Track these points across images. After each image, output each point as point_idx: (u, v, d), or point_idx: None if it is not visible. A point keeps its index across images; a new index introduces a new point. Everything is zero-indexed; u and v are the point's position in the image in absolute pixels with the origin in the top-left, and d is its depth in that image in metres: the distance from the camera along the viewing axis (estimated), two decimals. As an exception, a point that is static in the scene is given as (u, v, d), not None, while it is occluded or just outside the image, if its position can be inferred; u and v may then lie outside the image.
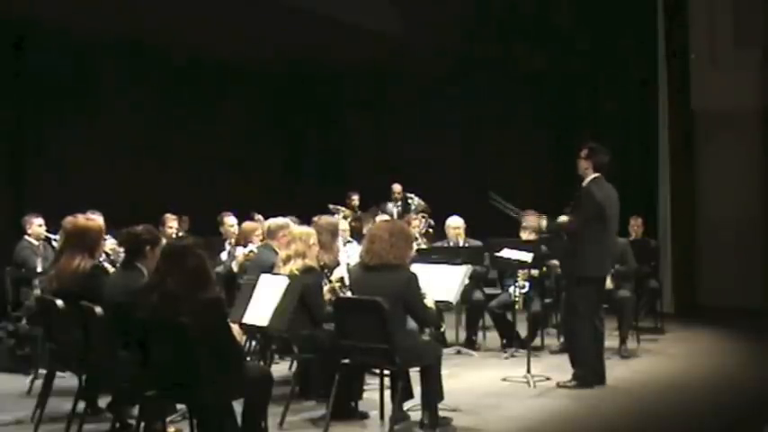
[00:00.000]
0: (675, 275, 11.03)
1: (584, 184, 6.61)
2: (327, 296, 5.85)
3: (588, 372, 6.52)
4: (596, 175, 6.60)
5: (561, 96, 12.18)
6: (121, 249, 6.38)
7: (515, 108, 12.25)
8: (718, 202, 11.32)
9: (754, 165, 11.20)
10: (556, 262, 7.95)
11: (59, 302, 5.30)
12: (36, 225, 8.07)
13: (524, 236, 8.08)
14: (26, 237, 8.06)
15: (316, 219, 7.21)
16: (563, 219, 6.63)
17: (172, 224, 8.74)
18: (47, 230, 8.08)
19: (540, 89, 12.22)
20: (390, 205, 11.25)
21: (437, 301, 5.84)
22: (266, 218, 8.13)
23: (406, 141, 12.66)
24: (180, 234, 8.74)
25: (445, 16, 11.96)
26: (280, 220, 7.09)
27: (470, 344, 8.25)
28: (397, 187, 11.30)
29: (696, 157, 11.47)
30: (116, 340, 4.85)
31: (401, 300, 5.20)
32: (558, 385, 6.55)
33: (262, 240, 7.78)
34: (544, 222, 6.79)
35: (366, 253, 5.39)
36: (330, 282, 5.96)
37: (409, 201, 10.51)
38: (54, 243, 7.79)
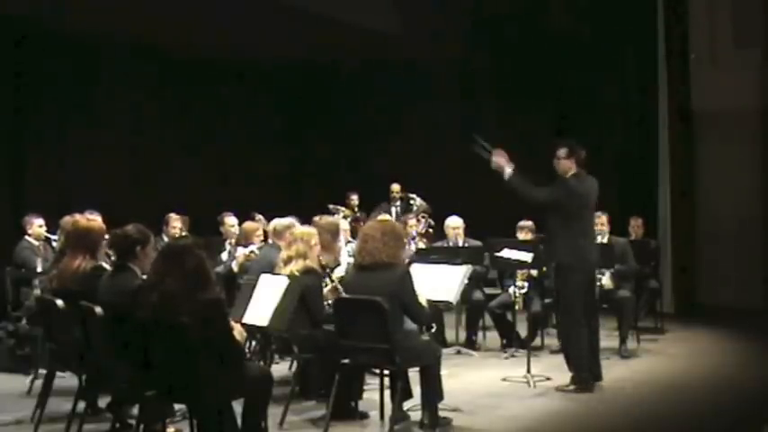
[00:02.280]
0: (675, 275, 11.02)
1: (566, 177, 6.56)
2: (329, 296, 5.84)
3: (587, 375, 6.49)
4: (577, 170, 6.57)
5: (561, 96, 12.17)
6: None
7: (515, 108, 12.25)
8: (718, 202, 11.31)
9: (755, 165, 11.19)
10: None
11: (59, 302, 5.31)
12: (36, 225, 8.08)
13: (521, 236, 8.10)
14: (26, 237, 8.06)
15: (316, 219, 7.21)
16: (520, 180, 6.54)
17: (176, 224, 8.72)
18: (46, 231, 8.09)
19: (539, 89, 12.21)
20: (391, 205, 11.24)
21: (437, 301, 5.84)
22: (267, 218, 8.13)
23: (406, 141, 12.66)
24: (181, 232, 8.74)
25: (445, 16, 11.95)
26: (285, 221, 7.10)
27: (470, 344, 8.26)
28: (395, 187, 11.30)
29: (696, 157, 11.46)
30: (116, 340, 4.84)
31: (396, 297, 5.21)
32: (557, 389, 6.53)
33: (263, 240, 7.78)
34: (509, 171, 6.62)
35: (359, 253, 5.42)
36: (332, 281, 5.95)
37: (411, 201, 10.49)
38: (54, 243, 7.80)
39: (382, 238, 5.33)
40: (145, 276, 4.92)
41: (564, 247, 6.44)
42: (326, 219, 7.22)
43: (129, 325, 4.49)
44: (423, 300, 5.45)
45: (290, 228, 6.86)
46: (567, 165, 6.57)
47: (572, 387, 6.48)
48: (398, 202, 11.22)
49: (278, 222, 7.18)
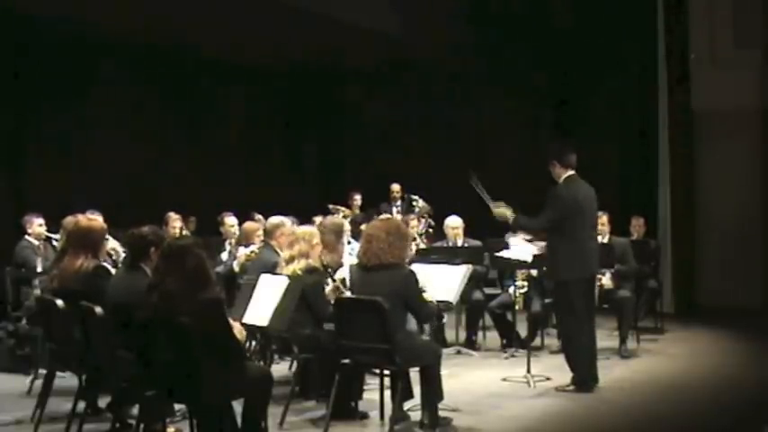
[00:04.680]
0: (675, 275, 11.02)
1: (558, 183, 6.56)
2: (331, 296, 5.82)
3: (587, 376, 6.48)
4: (569, 174, 6.53)
5: (561, 97, 12.18)
6: (122, 250, 6.39)
7: (515, 108, 12.25)
8: (718, 202, 11.32)
9: (755, 165, 11.20)
10: None
11: (59, 302, 5.31)
12: (36, 225, 8.07)
13: (522, 235, 8.09)
14: (26, 237, 8.05)
15: (318, 219, 7.18)
16: (524, 218, 6.59)
17: (175, 224, 8.73)
18: (47, 230, 8.08)
19: (539, 90, 12.21)
20: (392, 205, 11.23)
21: (437, 301, 5.83)
22: (267, 218, 8.13)
23: (406, 141, 12.67)
24: (181, 231, 8.75)
25: (445, 16, 11.96)
26: (275, 220, 7.09)
27: (470, 344, 8.25)
28: (395, 187, 11.28)
29: (696, 157, 11.46)
30: (116, 340, 4.84)
31: (401, 298, 5.21)
32: (557, 390, 6.52)
33: (263, 241, 7.77)
34: (509, 214, 6.63)
35: (364, 254, 5.40)
36: (334, 281, 5.94)
37: (413, 203, 10.47)
38: (54, 243, 7.79)
39: (387, 238, 5.31)
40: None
41: (566, 254, 6.41)
42: (332, 219, 7.21)
43: (133, 322, 4.50)
44: (427, 296, 5.45)
45: (279, 227, 6.85)
46: (556, 170, 6.57)
47: (572, 387, 6.47)
48: (399, 202, 11.20)
49: (268, 222, 7.18)
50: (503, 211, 6.64)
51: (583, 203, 6.49)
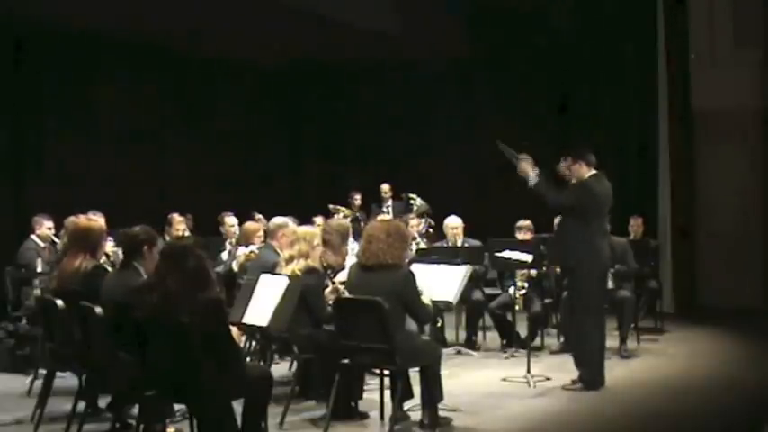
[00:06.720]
0: (675, 275, 11.02)
1: (584, 180, 6.53)
2: (330, 297, 5.82)
3: (595, 374, 6.46)
4: (594, 171, 6.53)
5: (560, 96, 12.17)
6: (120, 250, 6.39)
7: (515, 108, 12.25)
8: (718, 202, 11.32)
9: (754, 165, 11.20)
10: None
11: (59, 302, 5.31)
12: (45, 228, 8.03)
13: (520, 236, 8.10)
14: (32, 237, 8.03)
15: (319, 220, 7.17)
16: (547, 187, 6.52)
17: (179, 225, 8.71)
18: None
19: (539, 89, 12.21)
20: (382, 205, 11.24)
21: (437, 301, 5.83)
22: (267, 218, 8.13)
23: (406, 141, 12.67)
24: (184, 233, 8.74)
25: (445, 16, 11.96)
26: (278, 220, 7.10)
27: (470, 344, 8.25)
28: (385, 187, 11.30)
29: (696, 157, 11.46)
30: (116, 340, 4.85)
31: (399, 298, 5.22)
32: (564, 388, 6.51)
33: (263, 241, 7.78)
34: (533, 177, 6.55)
35: (363, 253, 5.41)
36: (333, 283, 5.93)
37: (411, 202, 10.47)
38: (59, 248, 7.78)
39: (387, 239, 5.33)
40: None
41: (583, 248, 6.39)
42: (337, 220, 7.21)
43: (131, 322, 4.50)
44: (426, 299, 5.46)
45: (282, 227, 6.85)
46: (578, 170, 6.55)
47: (579, 385, 6.45)
48: (390, 202, 11.23)
49: (271, 222, 7.19)
50: (526, 168, 6.56)
51: (607, 198, 6.54)
